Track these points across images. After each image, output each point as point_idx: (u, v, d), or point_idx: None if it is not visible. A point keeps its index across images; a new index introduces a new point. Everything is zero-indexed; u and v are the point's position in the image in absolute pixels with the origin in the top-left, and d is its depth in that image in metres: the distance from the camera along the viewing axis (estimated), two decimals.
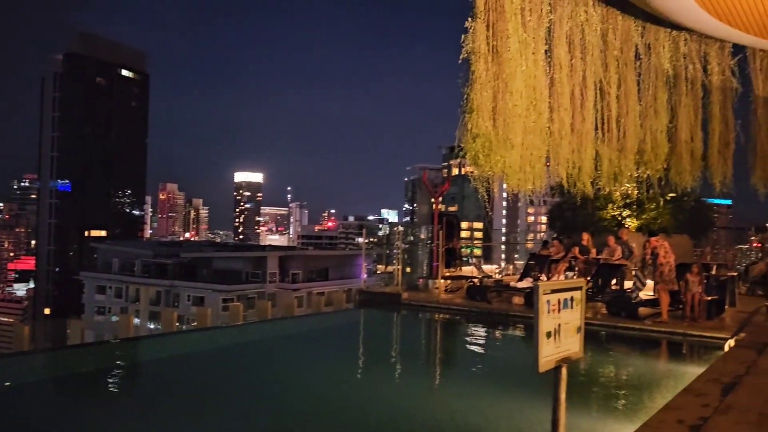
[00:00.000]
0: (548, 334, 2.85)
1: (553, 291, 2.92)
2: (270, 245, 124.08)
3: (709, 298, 11.32)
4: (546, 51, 11.23)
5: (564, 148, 12.10)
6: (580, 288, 3.12)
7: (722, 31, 13.59)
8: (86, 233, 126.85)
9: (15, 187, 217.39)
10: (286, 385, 8.14)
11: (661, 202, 17.51)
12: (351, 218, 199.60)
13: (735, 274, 14.34)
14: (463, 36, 8.87)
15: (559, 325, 2.93)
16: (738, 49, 15.28)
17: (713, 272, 12.76)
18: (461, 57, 8.99)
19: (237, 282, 58.61)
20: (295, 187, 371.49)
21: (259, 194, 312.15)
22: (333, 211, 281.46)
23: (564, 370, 3.00)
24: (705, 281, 11.54)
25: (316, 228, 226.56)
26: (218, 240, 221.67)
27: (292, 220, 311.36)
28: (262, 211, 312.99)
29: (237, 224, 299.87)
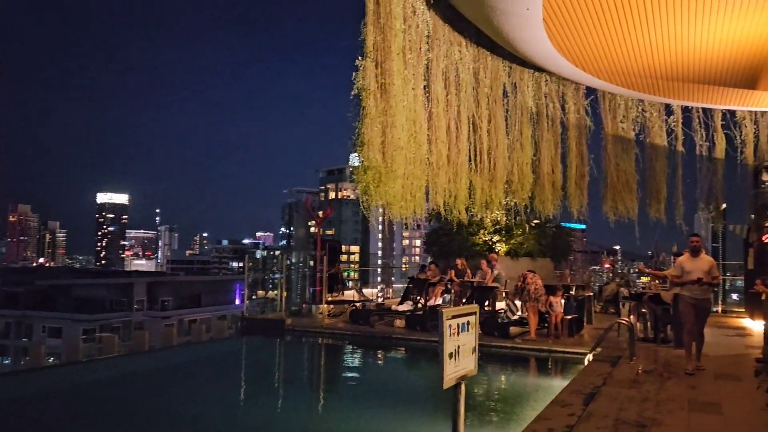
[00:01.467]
0: (450, 355, 3.20)
1: (454, 316, 3.28)
2: (137, 271, 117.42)
3: (570, 317, 12.42)
4: (425, 87, 11.98)
5: (441, 178, 12.86)
6: (474, 313, 3.51)
7: (577, 75, 15.15)
8: None
9: None
10: (170, 419, 7.91)
11: (527, 228, 18.92)
12: (225, 242, 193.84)
13: (591, 294, 15.77)
14: (354, 74, 9.28)
15: (459, 346, 3.29)
16: (591, 90, 17.05)
17: (573, 293, 13.99)
18: (352, 93, 9.40)
19: (100, 311, 54.79)
20: (165, 209, 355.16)
21: (125, 217, 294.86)
22: (206, 234, 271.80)
23: (463, 387, 3.37)
24: (566, 301, 12.67)
25: (188, 252, 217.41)
26: (77, 266, 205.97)
27: (161, 243, 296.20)
28: (127, 235, 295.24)
29: (99, 248, 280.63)
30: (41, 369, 11.95)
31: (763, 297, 9.74)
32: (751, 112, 17.56)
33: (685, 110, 17.80)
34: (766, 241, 14.24)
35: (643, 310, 11.70)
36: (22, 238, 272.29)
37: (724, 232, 17.26)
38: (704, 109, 17.74)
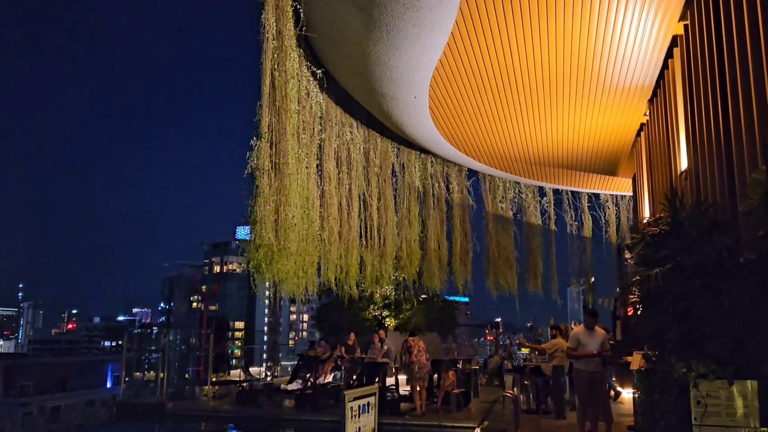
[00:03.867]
0: None
1: (355, 398, 3.34)
2: None
3: (458, 391, 12.68)
4: (317, 165, 12.29)
5: (333, 254, 13.03)
6: (374, 393, 3.59)
7: (460, 158, 16.20)
8: None
9: None
10: None
11: (415, 303, 19.35)
12: (97, 319, 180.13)
13: (477, 367, 16.20)
14: (248, 153, 9.40)
15: (359, 428, 3.34)
16: (473, 172, 18.19)
17: (460, 366, 14.32)
18: (246, 172, 9.48)
19: None
20: (29, 284, 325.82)
21: None
22: (75, 311, 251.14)
23: None
24: (453, 375, 12.95)
25: (54, 331, 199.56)
26: None
27: (22, 322, 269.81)
28: None
29: None
30: None
31: (633, 368, 10.50)
32: (612, 195, 19.44)
33: (557, 192, 19.39)
34: (631, 314, 15.47)
35: (526, 383, 12.19)
36: None
37: (593, 305, 18.58)
38: (573, 192, 19.42)
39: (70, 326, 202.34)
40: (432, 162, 17.40)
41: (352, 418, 3.28)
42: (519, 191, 19.06)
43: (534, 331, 20.87)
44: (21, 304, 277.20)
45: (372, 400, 3.55)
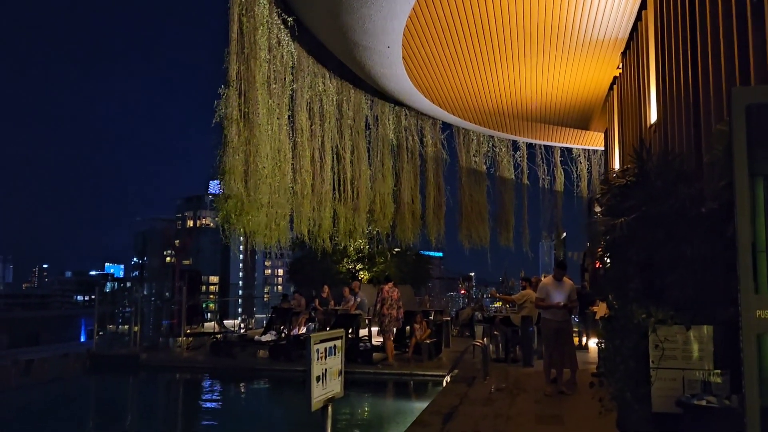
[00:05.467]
0: (318, 378, 3.30)
1: (321, 341, 3.39)
2: None
3: (429, 341, 12.94)
4: (289, 117, 12.12)
5: (306, 207, 13.00)
6: (341, 337, 3.65)
7: (434, 111, 16.10)
8: None
9: None
10: None
11: (389, 256, 19.49)
12: (68, 274, 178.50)
13: (448, 318, 16.52)
14: (216, 101, 9.20)
15: (326, 369, 3.40)
16: (447, 125, 18.14)
17: (432, 317, 14.59)
18: (214, 121, 9.30)
19: None
20: None
21: None
22: (46, 265, 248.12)
23: (330, 408, 3.48)
24: (426, 325, 13.19)
25: (24, 285, 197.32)
26: None
27: None
28: None
29: None
30: None
31: (598, 317, 10.80)
32: (585, 150, 19.60)
33: (530, 147, 19.48)
34: (598, 266, 15.81)
35: (495, 333, 12.47)
36: None
37: (564, 259, 18.95)
38: (546, 146, 19.52)
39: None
40: (406, 115, 17.28)
41: (318, 359, 3.34)
42: (493, 145, 19.10)
43: (505, 283, 21.27)
44: None
45: (338, 343, 3.62)
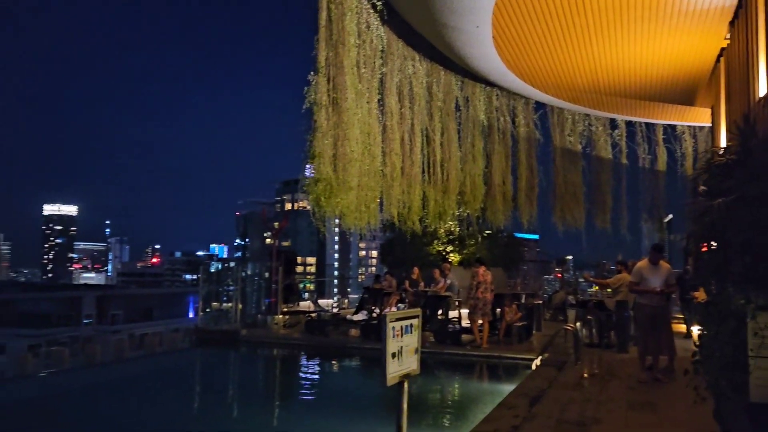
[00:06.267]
0: (393, 355, 3.42)
1: (397, 319, 3.50)
2: (85, 284, 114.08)
3: (520, 324, 12.80)
4: (379, 100, 12.26)
5: (395, 189, 13.14)
6: (417, 316, 3.74)
7: (526, 90, 15.71)
8: None
9: None
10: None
11: (479, 239, 19.35)
12: (178, 254, 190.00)
13: (540, 302, 16.22)
14: (306, 88, 9.49)
15: (402, 347, 3.51)
16: (540, 105, 17.65)
17: (523, 301, 14.39)
18: (304, 107, 9.61)
19: (46, 326, 52.99)
20: (116, 220, 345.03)
21: (73, 228, 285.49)
22: (158, 246, 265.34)
23: (405, 385, 3.59)
24: (516, 309, 13.05)
25: (139, 264, 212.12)
26: (22, 279, 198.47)
27: (111, 256, 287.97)
28: (75, 247, 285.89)
29: (45, 261, 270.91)
30: None
31: (698, 300, 10.26)
32: (689, 126, 18.47)
33: (629, 125, 18.60)
34: (704, 249, 14.95)
35: (589, 317, 12.14)
36: None
37: (666, 242, 18.03)
38: (647, 124, 18.57)
39: (154, 260, 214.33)
40: (497, 95, 16.97)
41: (393, 337, 3.44)
42: (589, 124, 18.39)
43: (601, 267, 20.56)
44: (109, 240, 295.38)
45: (415, 322, 3.70)
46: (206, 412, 9.31)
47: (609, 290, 11.82)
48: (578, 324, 12.08)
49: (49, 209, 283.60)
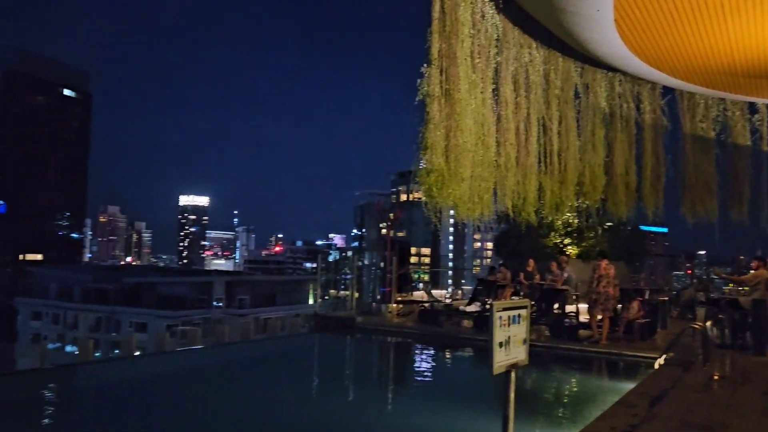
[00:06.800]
0: (500, 344, 3.44)
1: (504, 309, 3.51)
2: (216, 270, 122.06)
3: (642, 321, 12.20)
4: (493, 90, 12.09)
5: (510, 180, 12.92)
6: (525, 307, 3.72)
7: (652, 75, 14.80)
8: (21, 257, 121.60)
9: None
10: (246, 407, 8.43)
11: (600, 231, 18.58)
12: (299, 243, 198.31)
13: (666, 298, 15.34)
14: (418, 80, 9.58)
15: (509, 337, 3.52)
16: (668, 89, 16.57)
17: (647, 297, 13.70)
18: (417, 99, 9.71)
19: (181, 308, 57.44)
20: (242, 210, 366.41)
21: (205, 218, 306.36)
22: (281, 235, 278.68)
23: (513, 375, 3.59)
24: (639, 305, 12.45)
25: (263, 252, 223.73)
26: (161, 265, 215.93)
27: (238, 244, 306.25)
28: (207, 235, 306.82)
29: (181, 248, 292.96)
30: (133, 358, 12.90)
31: None
32: None
33: None
34: None
35: (720, 316, 11.34)
36: (111, 237, 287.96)
37: None
38: None
39: (277, 248, 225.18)
40: (620, 81, 16.11)
41: (501, 326, 3.45)
42: (724, 109, 16.99)
43: (737, 263, 19.05)
44: (236, 228, 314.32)
45: (523, 312, 3.68)
46: (322, 391, 9.77)
47: (746, 288, 10.98)
48: (708, 323, 11.33)
49: (184, 200, 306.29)
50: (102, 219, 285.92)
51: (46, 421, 8.01)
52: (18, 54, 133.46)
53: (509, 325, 3.50)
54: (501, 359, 3.46)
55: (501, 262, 19.04)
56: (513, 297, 15.22)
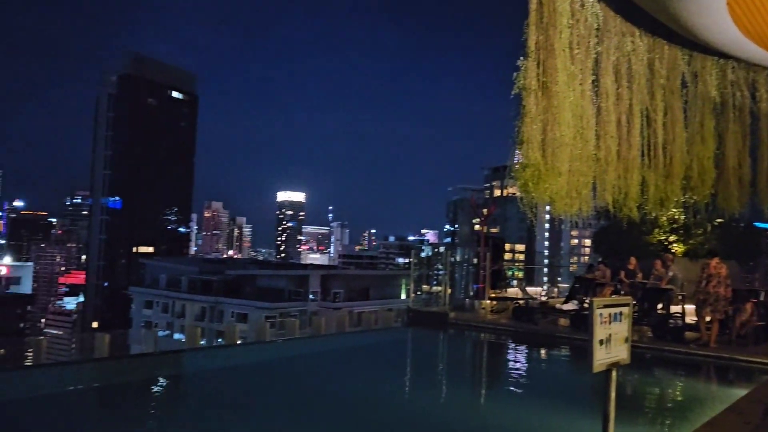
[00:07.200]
0: (600, 342, 3.36)
1: (605, 306, 3.42)
2: (312, 264, 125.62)
3: (757, 324, 11.42)
4: (593, 81, 11.67)
5: (610, 174, 12.43)
6: (627, 305, 3.61)
7: None
8: (134, 249, 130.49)
9: (68, 203, 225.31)
10: (343, 397, 8.68)
11: (709, 228, 17.51)
12: (391, 238, 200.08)
13: None
14: (515, 74, 9.43)
15: (610, 335, 3.43)
16: None
17: (761, 299, 12.80)
18: (513, 93, 9.56)
19: (280, 300, 59.60)
20: (337, 206, 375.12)
21: (302, 213, 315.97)
22: (374, 230, 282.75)
23: (614, 373, 3.50)
24: (753, 307, 11.65)
25: (357, 248, 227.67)
26: (260, 258, 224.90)
27: (333, 239, 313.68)
28: (303, 230, 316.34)
29: (279, 243, 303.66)
30: (236, 346, 13.60)
31: None
32: None
33: None
34: None
35: None
36: (214, 231, 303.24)
37: None
38: None
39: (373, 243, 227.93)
40: (733, 68, 15.05)
41: (601, 323, 3.37)
42: None
43: None
44: (331, 224, 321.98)
45: (625, 310, 3.57)
46: (414, 383, 9.87)
47: None
48: None
49: (282, 196, 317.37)
50: (206, 214, 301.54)
51: (155, 403, 8.61)
52: (131, 58, 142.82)
53: (610, 322, 3.42)
54: (601, 357, 3.38)
55: (600, 259, 18.37)
56: (613, 296, 14.69)
